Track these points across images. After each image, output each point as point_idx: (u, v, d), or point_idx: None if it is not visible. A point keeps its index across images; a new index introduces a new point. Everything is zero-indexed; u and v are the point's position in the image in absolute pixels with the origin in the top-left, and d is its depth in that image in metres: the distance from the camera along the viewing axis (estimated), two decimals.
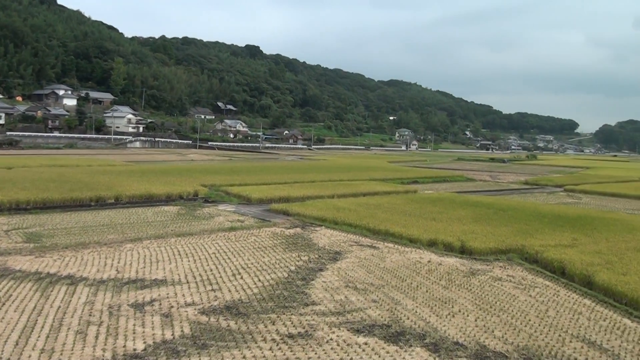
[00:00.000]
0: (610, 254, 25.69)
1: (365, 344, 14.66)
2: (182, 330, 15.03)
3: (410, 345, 14.71)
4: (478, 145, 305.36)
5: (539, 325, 16.84)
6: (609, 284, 20.63)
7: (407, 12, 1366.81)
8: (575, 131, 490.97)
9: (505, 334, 15.94)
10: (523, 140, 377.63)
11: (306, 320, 16.34)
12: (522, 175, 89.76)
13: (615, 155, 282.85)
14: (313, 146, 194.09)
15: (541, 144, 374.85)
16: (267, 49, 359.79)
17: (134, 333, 14.71)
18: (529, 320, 17.26)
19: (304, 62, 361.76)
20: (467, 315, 17.45)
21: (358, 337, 15.14)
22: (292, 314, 16.82)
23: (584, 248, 27.00)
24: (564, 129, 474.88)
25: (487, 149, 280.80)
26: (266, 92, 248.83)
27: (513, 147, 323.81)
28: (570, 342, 15.50)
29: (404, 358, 13.90)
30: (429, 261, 24.69)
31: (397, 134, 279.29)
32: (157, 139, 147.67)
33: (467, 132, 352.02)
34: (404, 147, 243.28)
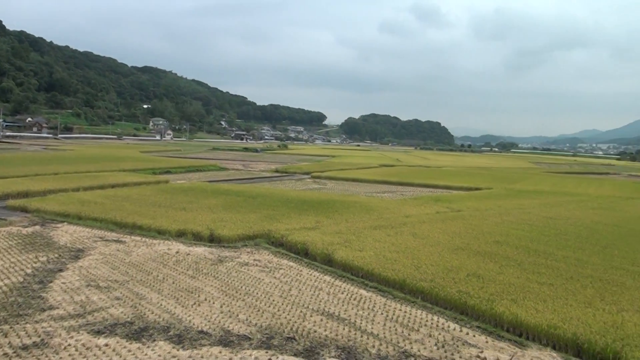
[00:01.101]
0: (349, 233, 27.85)
1: (106, 345, 13.81)
2: None
3: (154, 340, 14.26)
4: (233, 135, 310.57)
5: (282, 304, 17.56)
6: (347, 259, 22.34)
7: None
8: (324, 123, 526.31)
9: (250, 316, 16.31)
10: (276, 131, 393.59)
11: (42, 327, 14.86)
12: (273, 164, 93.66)
13: (359, 145, 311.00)
14: (60, 135, 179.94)
15: (292, 135, 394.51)
16: (11, 25, 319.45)
17: None
18: (273, 300, 17.91)
19: (52, 42, 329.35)
20: (213, 303, 17.48)
21: (99, 338, 14.20)
22: (27, 323, 15.16)
23: (325, 229, 28.84)
24: (313, 120, 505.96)
25: (242, 139, 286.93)
26: (8, 73, 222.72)
27: (266, 137, 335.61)
28: (311, 316, 16.45)
29: (146, 354, 13.39)
30: (177, 252, 24.24)
31: (151, 123, 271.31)
32: None
33: (223, 122, 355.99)
34: (158, 137, 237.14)
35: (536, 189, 64.75)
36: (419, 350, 14.21)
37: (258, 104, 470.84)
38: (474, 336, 15.41)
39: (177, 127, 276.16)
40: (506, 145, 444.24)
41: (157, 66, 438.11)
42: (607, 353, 13.78)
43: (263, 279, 20.43)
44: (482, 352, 14.20)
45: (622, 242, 29.08)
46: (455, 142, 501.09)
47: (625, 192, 66.79)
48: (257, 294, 18.61)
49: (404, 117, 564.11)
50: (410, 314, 17.12)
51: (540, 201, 48.63)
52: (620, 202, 52.67)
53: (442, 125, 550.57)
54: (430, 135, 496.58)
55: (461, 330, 15.80)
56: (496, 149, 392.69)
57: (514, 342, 15.10)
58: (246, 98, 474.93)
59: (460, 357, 13.89)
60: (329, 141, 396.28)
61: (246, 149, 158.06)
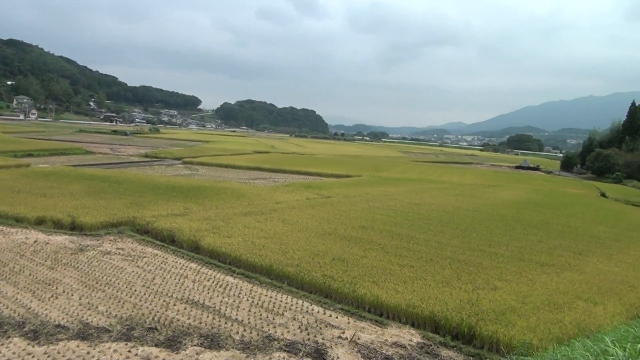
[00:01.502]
0: (218, 219, 27.51)
1: None
2: None
3: (8, 337, 13.29)
4: (102, 117, 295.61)
5: (145, 294, 16.99)
6: (214, 246, 22.06)
7: None
8: (199, 107, 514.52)
9: (110, 307, 15.63)
10: (148, 114, 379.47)
11: None
12: (143, 148, 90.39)
13: (234, 131, 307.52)
14: None
15: (165, 118, 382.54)
16: None
17: None
18: (135, 290, 17.27)
19: None
20: (72, 295, 16.56)
21: None
22: None
23: (194, 216, 28.29)
24: (188, 104, 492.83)
25: (111, 121, 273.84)
26: None
27: (138, 120, 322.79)
28: (175, 305, 16.05)
29: None
30: (35, 241, 22.69)
31: (15, 102, 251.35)
32: None
33: (91, 103, 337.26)
34: (22, 117, 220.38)
35: (403, 176, 67.69)
36: (282, 334, 14.34)
37: (129, 84, 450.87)
38: (337, 318, 15.80)
39: (42, 107, 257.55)
40: (377, 135, 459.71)
41: (24, 39, 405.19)
42: (462, 328, 14.71)
43: (125, 268, 19.62)
44: (343, 332, 14.59)
45: (480, 225, 31.13)
46: (330, 130, 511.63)
47: (486, 181, 71.68)
48: (118, 284, 17.86)
49: (280, 105, 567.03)
50: (276, 299, 17.23)
51: (406, 188, 50.83)
52: (481, 190, 56.44)
53: (317, 113, 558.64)
54: (305, 123, 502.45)
55: (324, 313, 16.13)
56: (367, 138, 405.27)
57: (374, 321, 15.67)
58: (117, 78, 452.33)
59: (323, 339, 14.17)
60: (204, 126, 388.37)
61: (115, 132, 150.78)
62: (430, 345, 14.24)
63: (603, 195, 69.86)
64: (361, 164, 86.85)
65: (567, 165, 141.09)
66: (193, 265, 20.73)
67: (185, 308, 15.90)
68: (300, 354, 13.23)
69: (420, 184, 56.89)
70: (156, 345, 13.25)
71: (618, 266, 23.81)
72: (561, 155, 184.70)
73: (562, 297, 17.87)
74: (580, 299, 17.78)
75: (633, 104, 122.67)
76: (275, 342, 13.82)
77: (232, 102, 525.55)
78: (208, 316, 15.40)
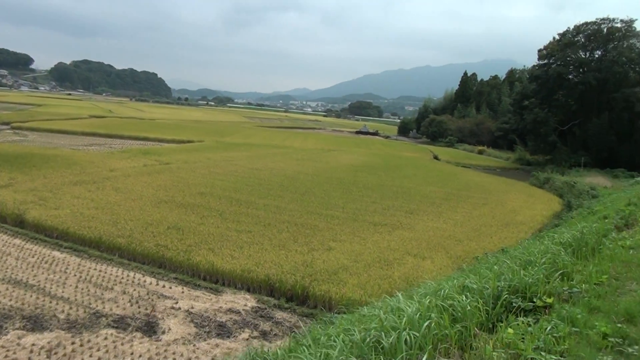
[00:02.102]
0: (45, 190, 25.61)
1: None
2: None
3: None
4: None
5: None
6: (40, 220, 20.53)
7: None
8: (31, 67, 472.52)
9: None
10: None
11: None
12: None
13: (70, 94, 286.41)
14: None
15: None
16: None
17: None
18: None
19: None
20: None
21: None
22: None
23: (19, 187, 26.13)
24: (19, 63, 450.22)
25: None
26: None
27: None
28: None
29: None
30: None
31: None
32: None
33: None
34: None
35: (246, 142, 67.41)
36: (111, 309, 13.61)
37: None
38: (171, 288, 15.32)
39: None
40: (223, 100, 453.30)
41: None
42: (296, 290, 14.91)
43: None
44: (177, 302, 14.16)
45: (318, 189, 31.82)
46: (173, 95, 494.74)
47: (327, 145, 73.53)
48: None
49: (119, 66, 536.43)
50: (106, 273, 16.34)
51: (249, 153, 50.70)
52: (322, 154, 57.80)
53: (159, 76, 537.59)
54: (146, 86, 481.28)
55: (157, 284, 15.58)
56: (212, 103, 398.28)
57: (210, 289, 15.42)
58: None
59: (154, 310, 13.63)
60: (37, 88, 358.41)
61: None
62: (265, 308, 14.29)
63: (436, 158, 74.78)
64: (204, 129, 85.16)
65: (404, 130, 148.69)
66: (17, 241, 19.14)
67: (7, 289, 14.57)
68: (130, 328, 12.63)
69: (263, 149, 57.06)
70: None
71: (446, 223, 25.57)
72: (399, 121, 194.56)
73: (393, 253, 18.80)
74: (409, 255, 18.82)
75: (465, 74, 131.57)
76: (104, 319, 13.08)
77: (68, 62, 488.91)
78: (32, 296, 14.24)
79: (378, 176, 41.67)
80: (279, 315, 13.98)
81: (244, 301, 14.64)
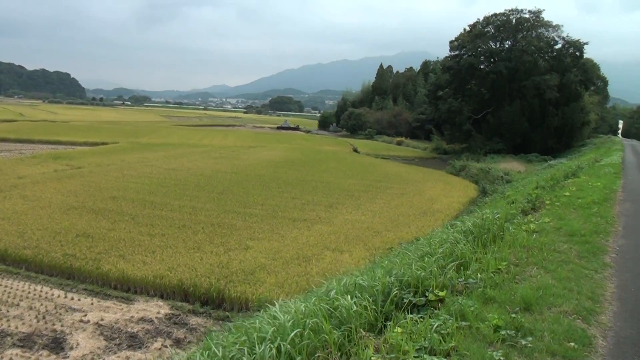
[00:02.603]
0: None
1: None
2: None
3: None
4: None
5: None
6: None
7: None
8: None
9: None
10: None
11: None
12: None
13: None
14: None
15: None
16: None
17: None
18: None
19: None
20: None
21: None
22: None
23: None
24: None
25: None
26: None
27: None
28: None
29: None
30: None
31: None
32: None
33: None
34: None
35: (163, 142, 65.84)
36: (17, 327, 12.79)
37: None
38: (79, 300, 14.61)
39: None
40: (139, 99, 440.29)
41: None
42: (211, 293, 14.53)
43: None
44: (85, 315, 13.51)
45: (237, 187, 31.40)
46: (88, 95, 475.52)
47: (247, 142, 72.84)
48: None
49: (30, 66, 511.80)
50: (12, 288, 15.38)
51: (165, 154, 49.46)
52: (241, 151, 57.17)
53: (72, 77, 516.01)
54: (59, 87, 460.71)
55: (66, 296, 14.80)
56: (129, 103, 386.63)
57: (121, 298, 14.82)
58: None
59: (62, 325, 12.96)
60: None
61: None
62: (179, 315, 13.86)
63: (355, 150, 75.64)
64: (119, 130, 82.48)
65: (324, 124, 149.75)
66: None
67: None
68: (36, 347, 11.92)
69: (180, 149, 55.87)
70: None
71: (365, 215, 25.80)
72: (319, 115, 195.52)
73: (312, 249, 18.75)
74: (328, 249, 18.81)
75: (381, 66, 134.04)
76: (9, 338, 12.26)
77: None
78: None
79: (298, 171, 41.64)
80: (194, 321, 13.59)
81: (157, 309, 14.16)
